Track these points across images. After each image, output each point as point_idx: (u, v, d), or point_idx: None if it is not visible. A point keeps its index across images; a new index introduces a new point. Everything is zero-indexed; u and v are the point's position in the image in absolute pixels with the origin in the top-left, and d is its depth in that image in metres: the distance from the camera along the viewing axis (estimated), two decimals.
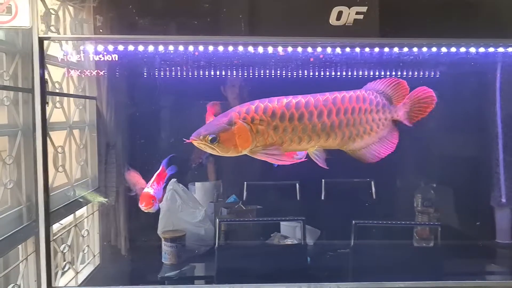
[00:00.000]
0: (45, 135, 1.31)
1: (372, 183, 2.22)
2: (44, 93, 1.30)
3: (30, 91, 1.64)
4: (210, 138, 1.35)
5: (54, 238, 1.85)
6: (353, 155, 1.51)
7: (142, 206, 1.85)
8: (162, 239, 1.93)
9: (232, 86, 1.98)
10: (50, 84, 1.64)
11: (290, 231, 2.10)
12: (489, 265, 1.85)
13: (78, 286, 1.88)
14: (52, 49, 1.65)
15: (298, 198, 2.30)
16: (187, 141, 1.39)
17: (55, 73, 1.82)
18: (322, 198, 2.29)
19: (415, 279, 1.48)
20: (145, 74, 1.90)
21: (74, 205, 2.07)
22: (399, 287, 1.41)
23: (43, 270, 1.38)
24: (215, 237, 2.00)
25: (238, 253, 1.89)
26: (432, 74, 1.75)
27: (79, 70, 1.51)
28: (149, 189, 1.88)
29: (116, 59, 1.43)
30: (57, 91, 1.91)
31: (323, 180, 2.29)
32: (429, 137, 1.98)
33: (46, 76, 1.52)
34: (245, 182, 2.30)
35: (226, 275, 1.73)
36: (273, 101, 1.39)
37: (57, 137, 1.91)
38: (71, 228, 2.09)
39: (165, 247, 1.91)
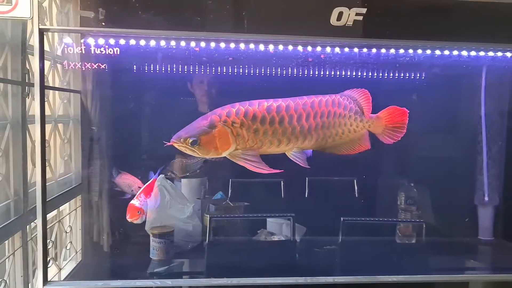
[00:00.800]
0: (43, 128, 1.30)
1: (355, 181, 2.26)
2: (43, 86, 1.28)
3: (20, 84, 1.62)
4: (191, 141, 1.38)
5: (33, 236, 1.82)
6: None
7: (128, 218, 1.84)
8: (151, 235, 1.92)
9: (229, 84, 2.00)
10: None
11: (277, 228, 2.12)
12: (471, 260, 1.92)
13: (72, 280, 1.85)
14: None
15: (282, 195, 2.32)
16: (168, 143, 1.40)
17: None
18: (306, 195, 2.32)
19: (403, 273, 1.53)
20: (134, 69, 1.88)
21: (57, 201, 2.04)
22: (392, 281, 1.46)
23: (39, 264, 1.35)
24: (202, 233, 2.02)
25: (226, 249, 1.91)
26: (423, 76, 1.82)
27: (65, 63, 1.49)
28: (135, 201, 1.87)
29: (103, 52, 1.42)
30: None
31: (306, 178, 2.32)
32: (413, 136, 2.04)
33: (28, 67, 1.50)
34: (230, 179, 2.31)
35: (217, 270, 1.74)
36: (254, 104, 1.42)
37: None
38: (54, 224, 2.06)
39: (154, 243, 1.90)
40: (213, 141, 1.41)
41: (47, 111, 1.98)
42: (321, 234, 2.12)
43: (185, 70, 1.82)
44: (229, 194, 2.27)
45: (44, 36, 1.44)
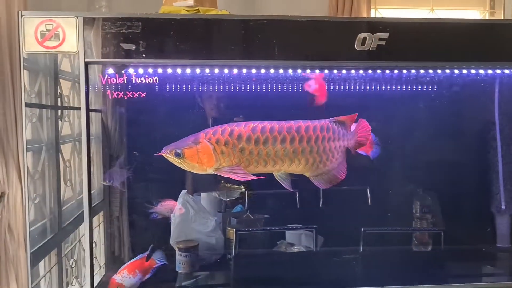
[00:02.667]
0: (89, 147, 1.38)
1: (368, 190, 2.32)
2: (88, 110, 1.37)
3: (53, 108, 1.69)
4: (174, 152, 1.47)
5: (66, 253, 1.89)
6: (313, 179, 1.69)
7: None
8: (176, 249, 1.98)
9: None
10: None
11: (295, 239, 2.18)
12: (489, 267, 1.99)
13: None
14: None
15: (298, 206, 2.38)
16: (158, 154, 1.49)
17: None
18: (320, 205, 2.38)
19: (425, 282, 1.59)
20: (156, 89, 1.95)
21: (80, 218, 2.10)
22: None
23: (87, 276, 1.43)
24: (225, 246, 2.08)
25: (250, 261, 1.97)
26: (443, 92, 1.91)
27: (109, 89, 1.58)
28: (116, 276, 1.82)
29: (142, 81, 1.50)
30: (66, 104, 1.95)
31: (320, 188, 2.38)
32: (430, 144, 2.12)
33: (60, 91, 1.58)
34: (246, 192, 2.37)
35: (243, 282, 1.80)
36: (241, 125, 1.51)
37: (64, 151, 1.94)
38: (78, 241, 2.12)
39: (179, 256, 1.96)
40: (195, 156, 1.51)
41: (68, 131, 2.05)
42: (339, 244, 2.18)
43: (205, 90, 1.89)
44: (246, 206, 2.33)
45: (65, 58, 1.53)
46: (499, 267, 1.98)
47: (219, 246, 2.09)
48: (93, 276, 1.46)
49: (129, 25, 1.32)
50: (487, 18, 2.96)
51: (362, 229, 1.90)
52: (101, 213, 2.34)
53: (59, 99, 1.64)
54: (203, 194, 2.34)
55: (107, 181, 2.09)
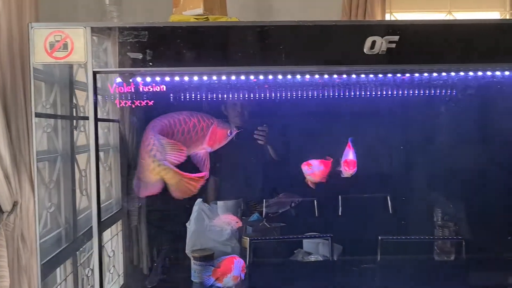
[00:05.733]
0: (97, 156, 1.39)
1: (388, 198, 2.27)
2: (96, 119, 1.38)
3: (68, 118, 1.72)
4: None
5: (82, 261, 1.90)
6: None
7: None
8: (192, 258, 1.97)
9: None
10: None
11: (313, 247, 2.15)
12: None
13: None
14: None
15: (316, 214, 2.35)
16: None
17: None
18: (340, 213, 2.34)
19: None
20: (171, 98, 1.96)
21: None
22: None
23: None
24: (241, 255, 2.06)
25: (266, 270, 1.94)
26: (460, 95, 1.87)
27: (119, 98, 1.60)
28: None
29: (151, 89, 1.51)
30: (82, 115, 1.98)
31: (339, 196, 2.34)
32: (450, 150, 2.06)
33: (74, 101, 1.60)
34: (264, 200, 2.35)
35: None
36: None
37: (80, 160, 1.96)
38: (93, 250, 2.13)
39: (195, 266, 1.96)
40: None
41: (84, 141, 2.08)
42: (357, 253, 2.14)
43: (219, 97, 1.90)
44: (263, 215, 2.31)
45: (81, 69, 1.55)
46: None
47: (235, 254, 2.07)
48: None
49: (136, 34, 1.33)
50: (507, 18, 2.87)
51: (380, 237, 1.84)
52: (120, 222, 2.36)
53: (74, 109, 1.66)
54: (220, 203, 2.33)
55: None
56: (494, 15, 2.98)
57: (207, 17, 1.59)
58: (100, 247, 1.43)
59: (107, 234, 2.27)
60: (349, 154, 1.92)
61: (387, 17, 2.65)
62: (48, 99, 1.64)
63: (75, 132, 1.78)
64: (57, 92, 1.67)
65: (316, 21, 1.40)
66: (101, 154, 2.25)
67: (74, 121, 1.72)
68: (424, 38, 1.43)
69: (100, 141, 2.22)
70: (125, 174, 2.28)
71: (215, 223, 2.00)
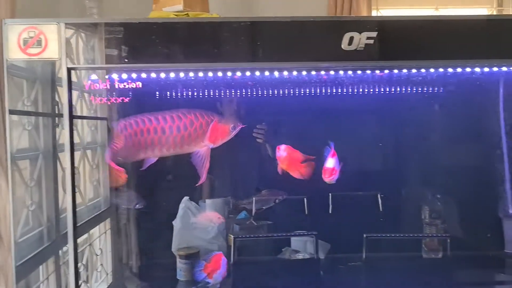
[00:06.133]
0: (73, 156, 1.38)
1: (379, 196, 2.26)
2: (72, 117, 1.37)
3: (50, 115, 1.71)
4: None
5: (65, 260, 1.89)
6: None
7: None
8: (177, 256, 1.96)
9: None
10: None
11: (301, 245, 2.14)
12: (499, 274, 1.90)
13: None
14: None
15: (306, 212, 2.33)
16: None
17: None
18: (330, 211, 2.32)
19: None
20: (157, 95, 1.95)
21: (87, 224, 2.11)
22: None
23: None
24: (227, 253, 2.05)
25: (252, 268, 1.93)
26: (441, 90, 1.85)
27: (93, 95, 1.59)
28: None
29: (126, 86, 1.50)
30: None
31: (330, 194, 2.33)
32: (435, 149, 2.05)
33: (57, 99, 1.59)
34: (254, 198, 2.34)
35: None
36: None
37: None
38: (85, 247, 2.13)
39: (180, 264, 1.95)
40: None
41: (76, 139, 2.07)
42: (346, 251, 2.12)
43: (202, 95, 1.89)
44: (253, 213, 2.30)
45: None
46: (507, 274, 1.89)
47: (222, 253, 2.06)
48: None
49: (112, 30, 1.32)
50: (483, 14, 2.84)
51: (365, 235, 1.83)
52: (108, 220, 2.36)
53: (56, 107, 1.65)
54: (208, 201, 2.32)
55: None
56: (481, 11, 2.96)
57: (187, 14, 1.58)
58: (76, 250, 1.41)
59: (95, 233, 2.27)
60: (328, 161, 1.89)
61: (374, 14, 2.63)
62: (29, 97, 1.62)
63: (57, 130, 1.77)
64: (38, 89, 1.66)
65: (294, 17, 1.39)
66: (89, 152, 2.25)
67: (57, 118, 1.71)
68: (403, 34, 1.41)
69: (88, 139, 2.23)
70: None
71: (197, 221, 1.98)
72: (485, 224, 1.98)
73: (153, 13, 1.63)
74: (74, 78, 1.79)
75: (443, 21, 1.46)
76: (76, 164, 2.01)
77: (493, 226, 1.96)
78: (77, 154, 2.08)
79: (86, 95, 2.07)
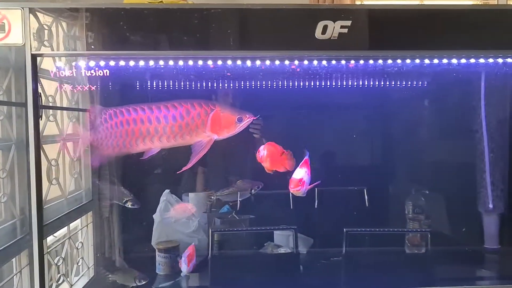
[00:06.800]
0: (38, 148, 1.34)
1: (365, 191, 2.24)
2: (37, 107, 1.33)
3: (23, 105, 1.67)
4: None
5: (49, 250, 1.87)
6: None
7: None
8: (156, 250, 1.94)
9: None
10: (43, 98, 1.66)
11: (283, 240, 2.11)
12: (479, 270, 1.88)
13: None
14: (46, 64, 1.67)
15: (291, 207, 2.31)
16: None
17: (49, 87, 1.84)
18: (315, 206, 2.30)
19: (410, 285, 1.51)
20: (137, 86, 1.92)
21: (67, 218, 2.08)
22: None
23: (36, 284, 1.39)
24: (209, 247, 2.02)
25: (232, 262, 1.91)
26: (420, 84, 1.81)
27: (71, 85, 1.54)
28: None
29: (108, 74, 1.46)
30: (51, 104, 1.93)
31: (315, 188, 2.30)
32: (417, 145, 2.02)
33: (40, 90, 1.54)
34: (239, 192, 2.31)
35: (222, 285, 1.75)
36: None
37: (51, 150, 1.92)
38: (65, 240, 2.10)
39: (159, 258, 1.92)
40: None
41: (56, 131, 2.03)
42: (329, 246, 2.11)
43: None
44: (238, 207, 2.27)
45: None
46: (487, 269, 1.87)
47: (202, 247, 2.04)
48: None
49: (78, 15, 1.28)
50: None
51: (345, 230, 1.81)
52: (90, 214, 2.33)
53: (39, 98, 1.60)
54: (191, 195, 2.30)
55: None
56: (466, 3, 2.93)
57: (161, 0, 1.54)
58: (42, 251, 1.38)
59: (75, 226, 2.24)
60: (296, 171, 1.77)
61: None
62: (1, 86, 1.59)
63: (40, 121, 1.72)
64: (12, 78, 1.62)
65: (265, 4, 1.35)
66: (69, 144, 2.21)
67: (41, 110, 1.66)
68: (378, 23, 1.38)
69: (69, 131, 2.19)
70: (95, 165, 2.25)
71: (170, 215, 1.95)
72: (466, 219, 1.96)
73: None
74: (48, 67, 1.76)
75: (417, 10, 1.43)
76: (55, 156, 1.99)
77: (474, 221, 1.94)
78: (57, 146, 2.04)
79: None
